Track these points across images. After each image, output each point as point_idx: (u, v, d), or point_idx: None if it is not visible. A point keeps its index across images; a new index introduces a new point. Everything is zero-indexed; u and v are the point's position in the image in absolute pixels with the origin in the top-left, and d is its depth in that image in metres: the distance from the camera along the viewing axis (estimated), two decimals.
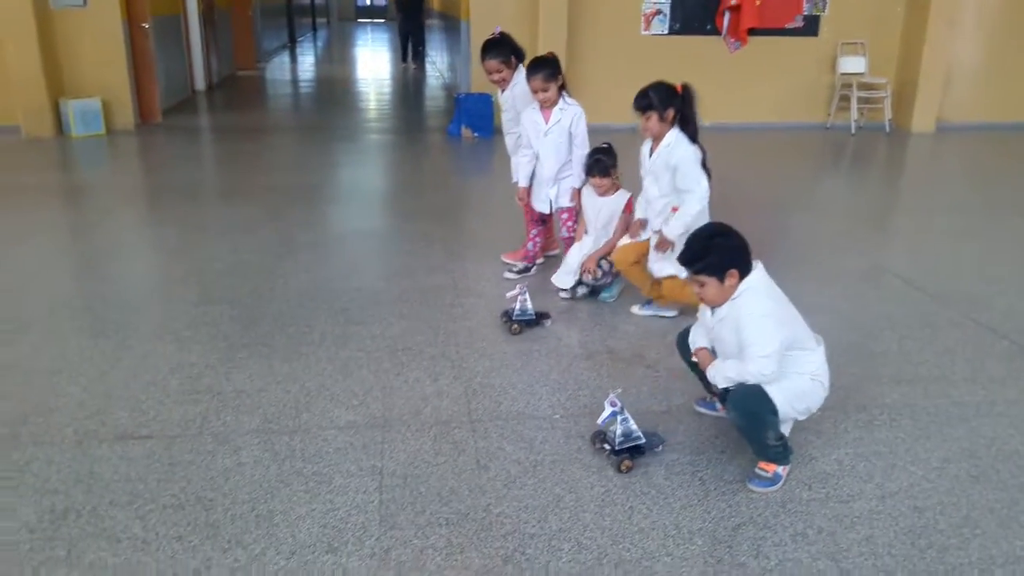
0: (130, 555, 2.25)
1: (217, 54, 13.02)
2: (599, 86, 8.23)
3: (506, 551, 2.30)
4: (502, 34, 4.35)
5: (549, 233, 4.69)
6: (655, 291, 3.98)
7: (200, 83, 12.08)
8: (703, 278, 2.57)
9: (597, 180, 4.03)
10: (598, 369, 3.46)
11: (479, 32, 8.91)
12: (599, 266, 4.06)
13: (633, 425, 2.70)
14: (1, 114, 8.31)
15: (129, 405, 3.06)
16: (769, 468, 2.61)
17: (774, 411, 2.53)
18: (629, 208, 4.06)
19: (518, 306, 3.82)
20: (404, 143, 9.05)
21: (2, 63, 8.11)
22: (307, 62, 19.03)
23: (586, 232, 4.19)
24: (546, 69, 4.06)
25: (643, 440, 2.72)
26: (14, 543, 2.29)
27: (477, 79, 9.04)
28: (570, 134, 4.19)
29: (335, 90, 13.88)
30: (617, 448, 2.69)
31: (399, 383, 3.30)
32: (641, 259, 3.93)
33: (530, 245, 4.57)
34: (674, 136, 3.66)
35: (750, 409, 2.53)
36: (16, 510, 2.43)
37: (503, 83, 4.42)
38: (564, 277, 4.16)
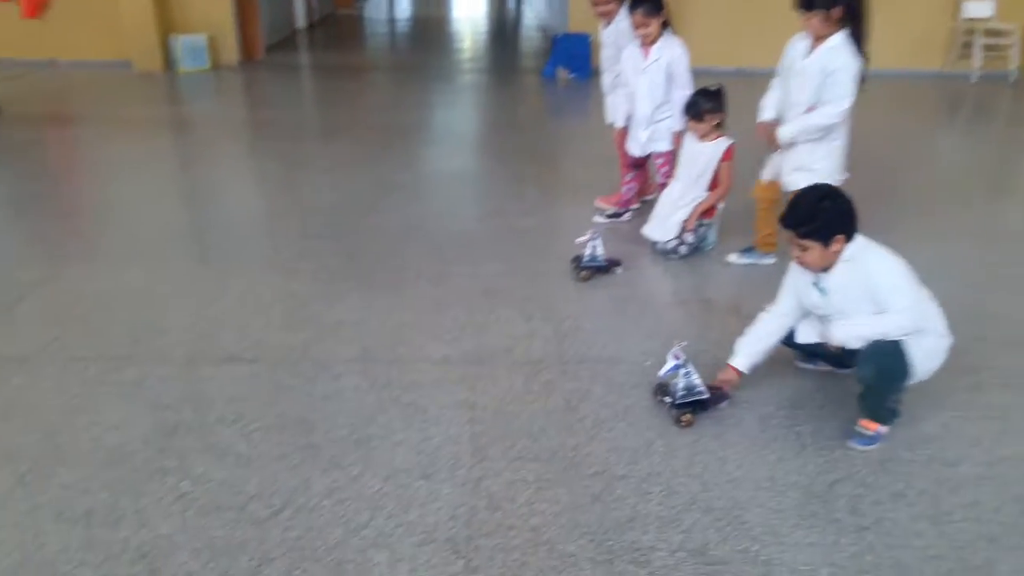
0: (234, 470, 2.37)
1: None
2: (705, 26, 7.93)
3: (595, 490, 2.32)
4: None
5: (646, 178, 4.59)
6: (768, 239, 3.84)
7: (301, 21, 12.23)
8: (807, 242, 2.46)
9: (692, 124, 3.90)
10: (691, 318, 3.41)
11: None
12: (700, 224, 3.94)
13: (696, 379, 2.62)
14: (114, 49, 8.64)
15: (236, 330, 3.19)
16: (871, 427, 2.53)
17: (907, 370, 2.44)
18: (727, 157, 3.90)
19: (588, 252, 3.74)
20: (499, 84, 8.99)
21: (116, 1, 8.39)
22: (405, 1, 19.01)
23: (676, 178, 4.06)
24: (648, 4, 3.94)
25: (706, 395, 2.63)
26: (131, 452, 2.44)
27: (575, 19, 8.85)
28: (669, 74, 4.06)
29: (431, 29, 13.85)
30: (678, 401, 2.62)
31: (491, 322, 3.33)
32: (778, 198, 3.69)
33: (624, 189, 4.49)
34: (839, 39, 3.33)
35: (887, 366, 2.44)
36: (133, 422, 2.59)
37: (607, 16, 4.32)
38: (655, 228, 4.04)
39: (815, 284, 2.57)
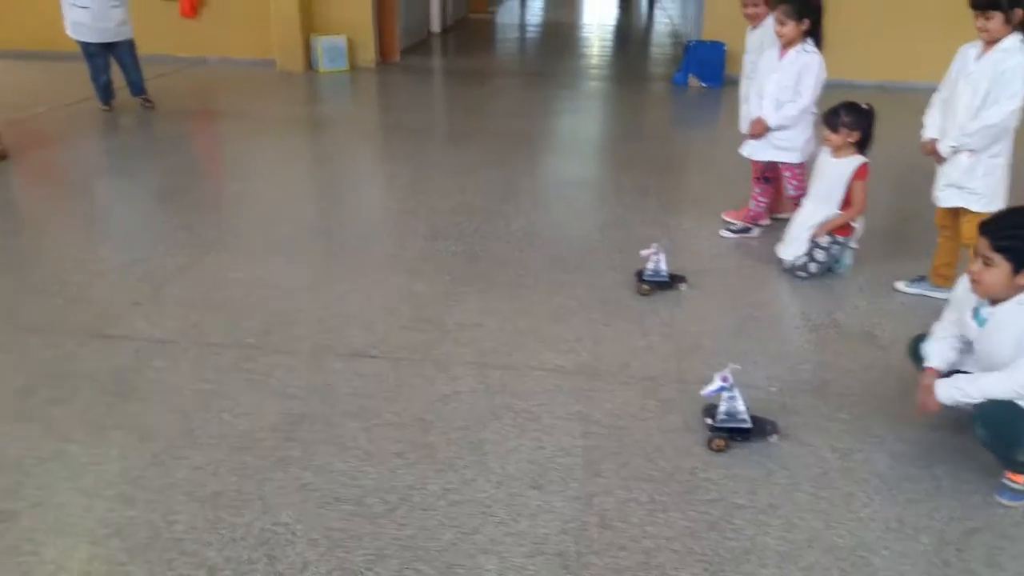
0: (355, 463, 2.44)
1: None
2: (851, 40, 7.60)
3: (711, 517, 2.25)
4: None
5: (776, 194, 4.42)
6: (943, 271, 3.59)
7: (436, 25, 12.52)
8: (997, 257, 2.21)
9: (827, 134, 3.72)
10: (822, 344, 3.26)
11: None
12: (834, 241, 3.76)
13: (741, 405, 2.51)
14: (260, 49, 9.10)
15: (362, 326, 3.29)
16: (1018, 479, 2.34)
17: None
18: (860, 175, 3.70)
19: (651, 266, 3.64)
20: (628, 91, 8.91)
21: (264, 1, 8.84)
22: (536, 6, 19.16)
23: (809, 196, 3.90)
24: (791, 4, 3.80)
25: (748, 424, 2.51)
26: (258, 439, 2.55)
27: (710, 27, 8.68)
28: (798, 80, 3.91)
29: (561, 35, 13.89)
30: (716, 425, 2.52)
31: (608, 334, 3.30)
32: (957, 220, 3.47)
33: (752, 204, 4.35)
34: (1013, 42, 3.14)
35: (1004, 430, 2.25)
36: (262, 410, 2.70)
37: (755, 20, 4.22)
38: (787, 248, 3.90)
39: (976, 310, 2.38)
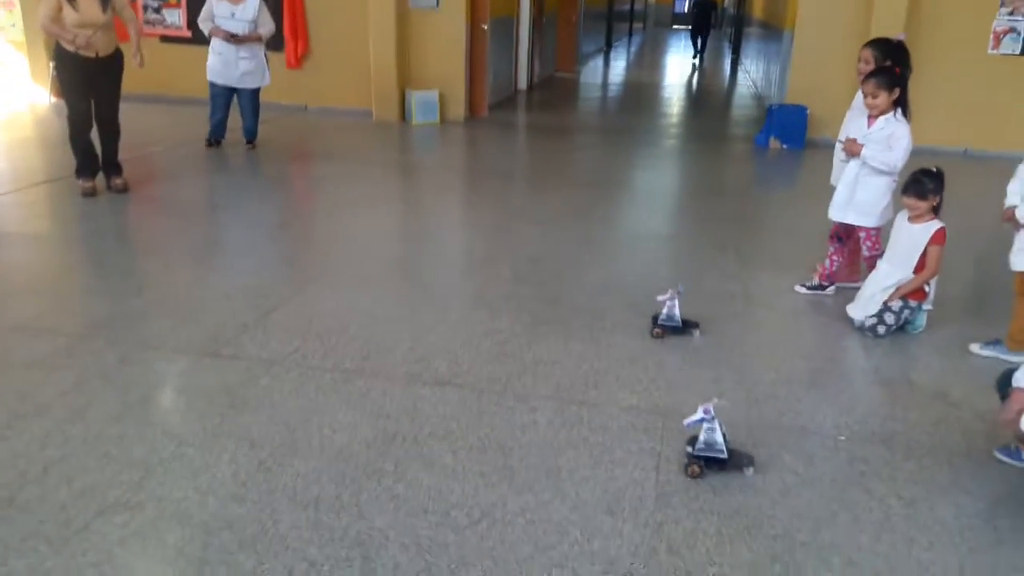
0: (441, 480, 2.64)
1: (541, 56, 13.91)
2: (933, 106, 7.65)
3: (774, 551, 2.36)
4: (900, 43, 4.22)
5: (850, 258, 4.49)
6: (1021, 335, 3.61)
7: (523, 82, 13.00)
8: None
9: (912, 201, 3.81)
10: (893, 398, 3.34)
11: (803, 42, 8.69)
12: (905, 305, 3.84)
13: (719, 437, 2.69)
14: (359, 99, 9.65)
15: (448, 357, 3.52)
16: None
17: None
18: (938, 240, 3.77)
19: (665, 311, 3.79)
20: (708, 150, 9.09)
21: (365, 55, 9.41)
22: (619, 66, 19.61)
23: (884, 258, 3.98)
24: (882, 76, 3.94)
25: (725, 455, 2.69)
26: (355, 452, 2.79)
27: (794, 90, 8.82)
28: (886, 149, 4.02)
29: (644, 95, 14.20)
30: (694, 452, 2.71)
31: (681, 379, 3.44)
32: None
33: (827, 262, 4.45)
34: None
35: None
36: (358, 426, 2.94)
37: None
38: (858, 308, 3.99)
39: None
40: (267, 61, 7.71)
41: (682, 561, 2.32)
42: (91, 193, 5.90)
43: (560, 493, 2.60)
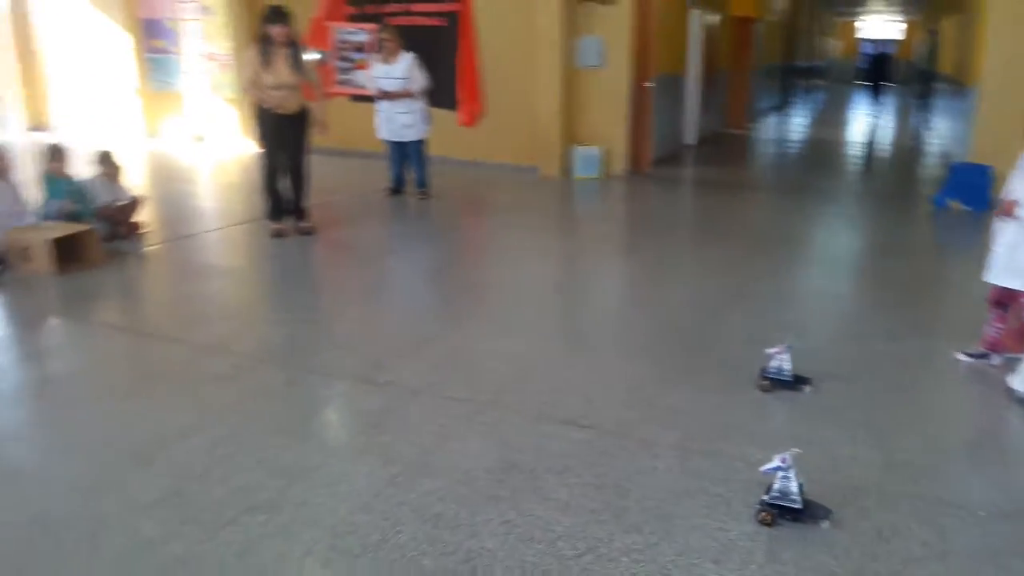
0: (552, 512, 2.76)
1: (710, 111, 13.89)
2: None
3: None
4: None
5: (1020, 326, 4.18)
6: None
7: (690, 138, 13.03)
8: None
9: None
10: None
11: (988, 98, 8.22)
12: None
13: (794, 487, 2.68)
14: (525, 155, 10.07)
15: (580, 398, 3.64)
16: None
17: None
18: None
19: (775, 364, 3.67)
20: (883, 208, 8.72)
21: (532, 113, 9.84)
22: (795, 123, 19.13)
23: None
24: None
25: (799, 506, 2.68)
26: (476, 477, 2.96)
27: (978, 149, 8.32)
28: None
29: (822, 152, 13.79)
30: (768, 500, 2.71)
31: (814, 438, 3.36)
32: None
33: (989, 330, 4.17)
34: None
35: None
36: (484, 455, 3.12)
37: None
38: (1020, 379, 3.71)
39: None
40: (427, 114, 8.27)
41: None
42: (280, 234, 6.57)
43: (668, 537, 2.64)
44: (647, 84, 10.17)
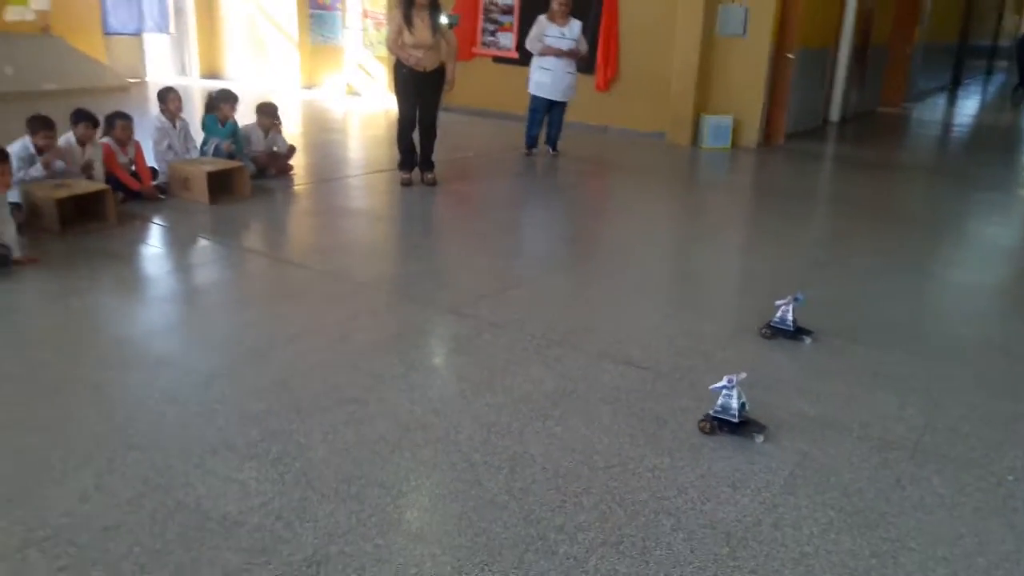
0: (594, 432, 3.08)
1: (860, 88, 13.37)
2: None
3: (878, 549, 2.48)
4: None
5: None
6: None
7: (834, 114, 12.63)
8: None
9: None
10: None
11: None
12: None
13: (734, 403, 3.03)
14: (655, 122, 10.19)
15: (643, 345, 3.91)
16: None
17: None
18: None
19: (779, 314, 3.94)
20: None
21: (666, 79, 9.92)
22: (966, 105, 17.98)
23: None
24: None
25: (736, 419, 3.03)
26: (534, 398, 3.33)
27: None
28: None
29: (995, 137, 12.97)
30: (712, 413, 3.09)
31: (867, 399, 3.49)
32: None
33: None
34: None
35: None
36: (543, 381, 3.49)
37: None
38: None
39: None
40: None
41: (781, 535, 2.53)
42: (407, 183, 7.13)
43: (695, 463, 2.92)
44: (788, 55, 10.01)
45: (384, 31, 12.27)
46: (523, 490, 2.72)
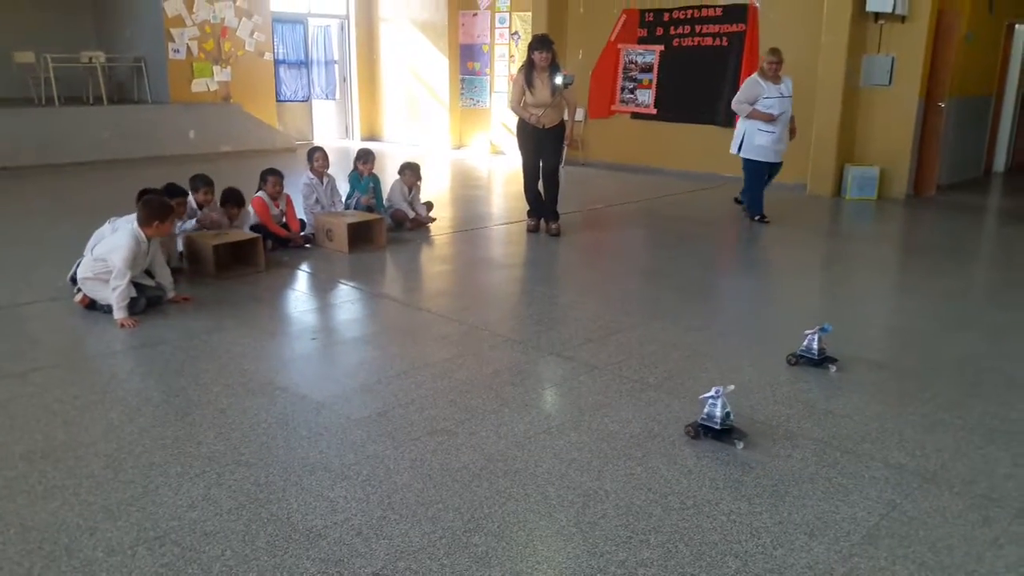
0: (676, 474, 3.09)
1: None
2: None
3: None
4: None
5: None
6: None
7: (1000, 164, 11.83)
8: None
9: None
10: None
11: None
12: None
13: (718, 412, 3.26)
14: (793, 173, 9.93)
15: (744, 394, 3.80)
16: None
17: None
18: None
19: (805, 343, 4.29)
20: None
21: (807, 130, 9.69)
22: None
23: None
24: None
25: (718, 427, 3.26)
26: (619, 439, 3.37)
27: None
28: None
29: None
30: (698, 421, 3.33)
31: (978, 455, 3.28)
32: None
33: None
34: None
35: None
36: (631, 423, 3.52)
37: None
38: None
39: None
40: None
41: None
42: (533, 230, 7.43)
43: (774, 509, 2.86)
44: (939, 104, 9.55)
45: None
46: (591, 524, 2.77)
